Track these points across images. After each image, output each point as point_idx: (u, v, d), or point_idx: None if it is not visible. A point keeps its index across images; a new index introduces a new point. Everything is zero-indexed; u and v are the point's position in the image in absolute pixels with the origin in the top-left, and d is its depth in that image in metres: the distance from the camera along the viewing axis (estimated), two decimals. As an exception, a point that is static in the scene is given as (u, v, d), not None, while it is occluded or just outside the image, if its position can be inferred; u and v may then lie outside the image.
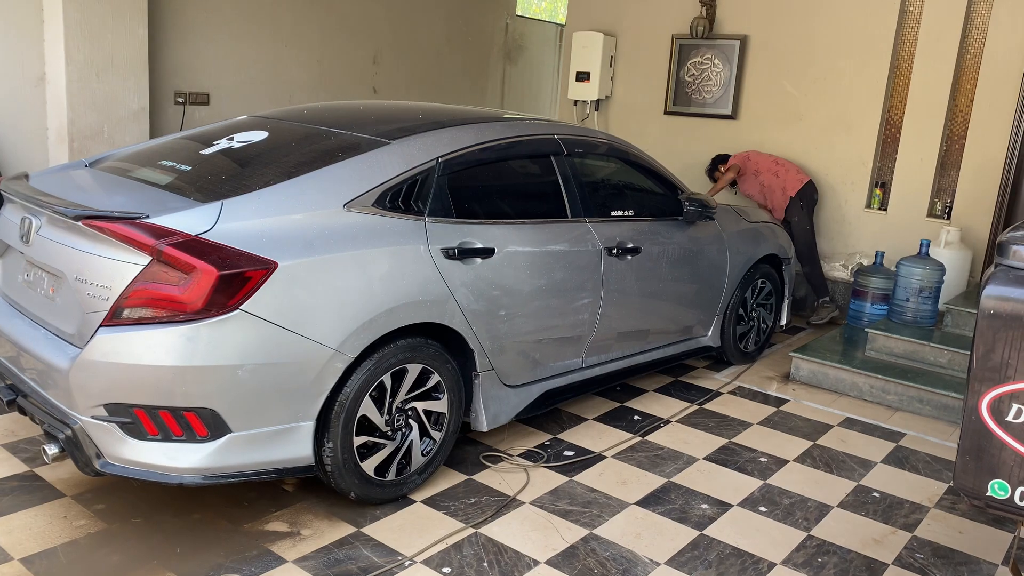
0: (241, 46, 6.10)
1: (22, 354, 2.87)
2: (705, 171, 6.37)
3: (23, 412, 2.90)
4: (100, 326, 2.61)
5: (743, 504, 3.35)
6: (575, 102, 7.33)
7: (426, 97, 7.58)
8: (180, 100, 5.75)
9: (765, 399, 4.55)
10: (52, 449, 2.68)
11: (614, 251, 3.85)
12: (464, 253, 3.20)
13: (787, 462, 3.76)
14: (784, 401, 4.54)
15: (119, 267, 2.60)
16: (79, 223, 2.63)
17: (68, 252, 2.73)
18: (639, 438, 3.91)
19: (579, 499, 3.29)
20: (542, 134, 3.76)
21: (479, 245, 3.26)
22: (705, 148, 6.60)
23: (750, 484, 3.52)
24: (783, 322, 5.33)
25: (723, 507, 3.31)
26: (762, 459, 3.78)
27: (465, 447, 3.63)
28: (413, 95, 7.49)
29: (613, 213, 3.97)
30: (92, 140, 4.98)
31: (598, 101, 7.21)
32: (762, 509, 3.32)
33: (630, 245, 3.93)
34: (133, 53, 5.10)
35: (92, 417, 2.61)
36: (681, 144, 6.80)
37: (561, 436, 3.87)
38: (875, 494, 3.51)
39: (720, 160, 6.30)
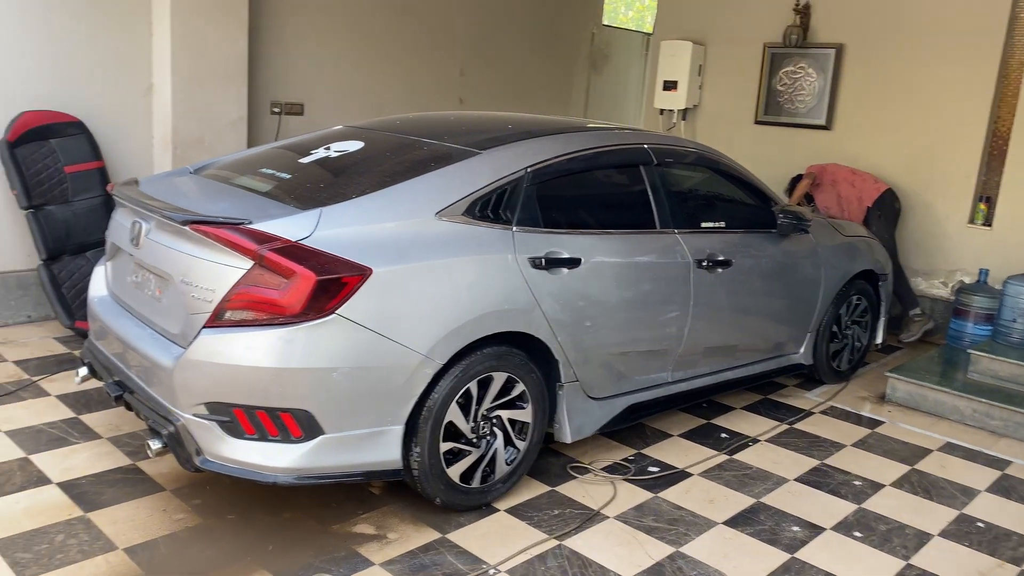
0: (334, 58, 6.27)
1: (129, 352, 3.01)
2: (784, 191, 6.22)
3: (129, 408, 3.03)
4: (203, 327, 2.71)
5: (837, 528, 3.23)
6: (661, 111, 7.26)
7: (511, 107, 7.63)
8: (276, 110, 5.94)
9: (859, 420, 4.39)
10: (156, 444, 2.79)
11: (704, 263, 3.78)
12: (551, 263, 3.20)
13: (883, 486, 3.61)
14: (879, 423, 4.37)
15: (223, 271, 2.69)
16: (186, 228, 2.74)
17: (175, 255, 2.84)
18: (726, 456, 3.82)
19: (665, 516, 3.23)
20: (631, 143, 3.73)
21: (566, 255, 3.25)
22: (797, 159, 6.44)
23: (844, 508, 3.40)
24: (878, 341, 5.13)
25: (815, 530, 3.20)
26: (856, 482, 3.64)
27: (548, 458, 3.62)
28: (498, 105, 7.55)
29: (703, 224, 3.90)
30: (193, 148, 5.19)
31: (685, 110, 7.12)
32: (857, 534, 3.19)
33: (721, 257, 3.85)
34: (233, 65, 5.30)
35: (193, 415, 2.71)
36: (772, 154, 6.64)
37: (646, 451, 3.81)
38: (979, 524, 3.34)
39: (799, 179, 6.20)
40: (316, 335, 2.65)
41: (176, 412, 2.75)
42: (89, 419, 3.67)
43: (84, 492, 3.07)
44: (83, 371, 3.35)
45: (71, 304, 4.62)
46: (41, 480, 3.13)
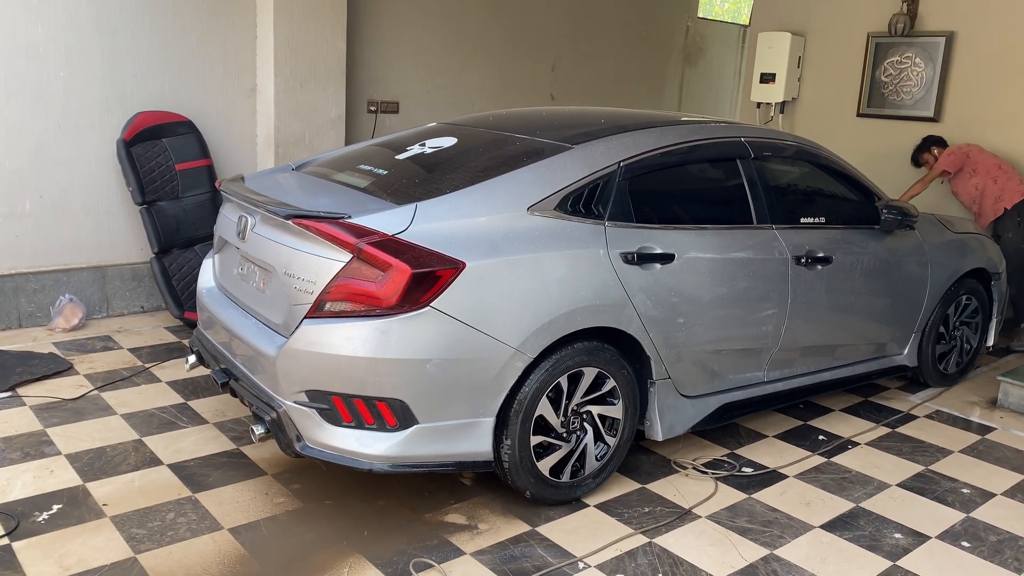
0: (428, 57, 6.38)
1: (234, 341, 3.14)
2: (911, 155, 5.88)
3: (234, 394, 3.17)
4: (304, 317, 2.80)
5: (942, 537, 3.09)
6: (758, 104, 7.08)
7: (603, 102, 7.59)
8: (372, 108, 6.09)
9: (967, 426, 4.18)
10: (259, 430, 2.91)
11: (803, 260, 3.67)
12: (643, 258, 3.17)
13: (994, 495, 3.43)
14: (989, 429, 4.15)
15: (323, 263, 2.78)
16: (289, 222, 2.85)
17: (278, 248, 2.95)
18: (824, 458, 3.70)
19: (759, 517, 3.16)
20: (727, 137, 3.65)
21: (659, 250, 3.22)
22: (902, 153, 6.16)
23: (950, 516, 3.24)
24: (989, 343, 4.88)
25: (919, 538, 3.07)
26: (964, 490, 3.47)
27: (638, 455, 3.59)
28: (590, 101, 7.52)
29: (802, 220, 3.79)
30: (295, 146, 5.38)
31: (783, 103, 6.92)
32: (964, 544, 3.04)
33: (820, 254, 3.73)
34: (333, 65, 5.46)
35: (295, 402, 2.82)
36: (874, 148, 6.39)
37: (739, 451, 3.73)
38: (1102, 539, 3.13)
39: (934, 142, 5.79)
40: (411, 327, 2.70)
41: (278, 399, 2.86)
42: (197, 405, 3.86)
43: (192, 474, 3.23)
44: (192, 359, 3.52)
45: (180, 295, 4.86)
46: (153, 461, 3.31)
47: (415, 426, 2.78)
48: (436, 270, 2.72)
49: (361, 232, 2.74)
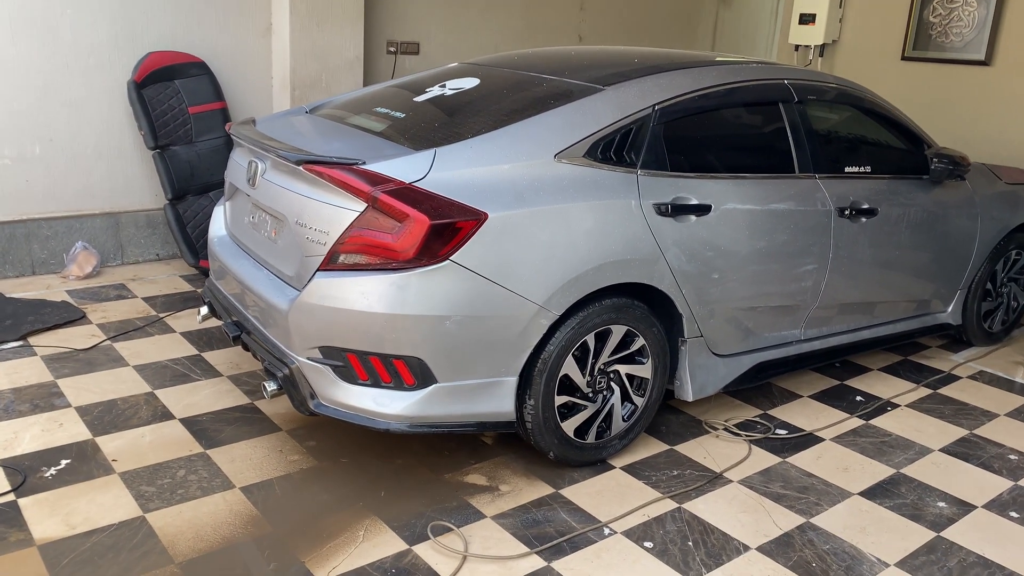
0: (451, -5, 6.10)
1: (246, 293, 3.00)
2: None
3: (247, 348, 3.04)
4: (317, 270, 2.65)
5: (989, 507, 2.92)
6: (796, 47, 6.73)
7: (633, 44, 7.27)
8: (392, 49, 5.84)
9: (1012, 387, 3.98)
10: (271, 386, 2.78)
11: (846, 212, 3.45)
12: (677, 210, 2.97)
13: (1043, 463, 3.26)
14: (1037, 391, 3.95)
15: (336, 212, 2.62)
16: (300, 168, 2.68)
17: (290, 196, 2.79)
18: (862, 421, 3.53)
19: (794, 483, 3.01)
20: (769, 79, 3.40)
21: (694, 201, 3.02)
22: (949, 98, 5.83)
23: (997, 484, 3.08)
24: (1038, 300, 4.64)
25: (964, 508, 2.91)
26: (1011, 456, 3.29)
27: (667, 415, 3.44)
28: (620, 42, 7.20)
29: (847, 169, 3.56)
30: (311, 88, 5.17)
31: (823, 46, 6.57)
32: (1013, 515, 2.88)
33: (865, 206, 3.51)
34: (350, 3, 5.21)
35: (308, 358, 2.68)
36: (919, 94, 6.06)
37: (772, 412, 3.57)
38: None
39: None
40: (429, 281, 2.54)
41: (291, 355, 2.73)
42: (211, 357, 3.75)
43: (204, 429, 3.13)
44: (204, 310, 3.39)
45: (195, 243, 4.73)
46: (165, 415, 3.21)
47: (434, 385, 2.64)
48: (456, 221, 2.55)
49: (376, 179, 2.57)
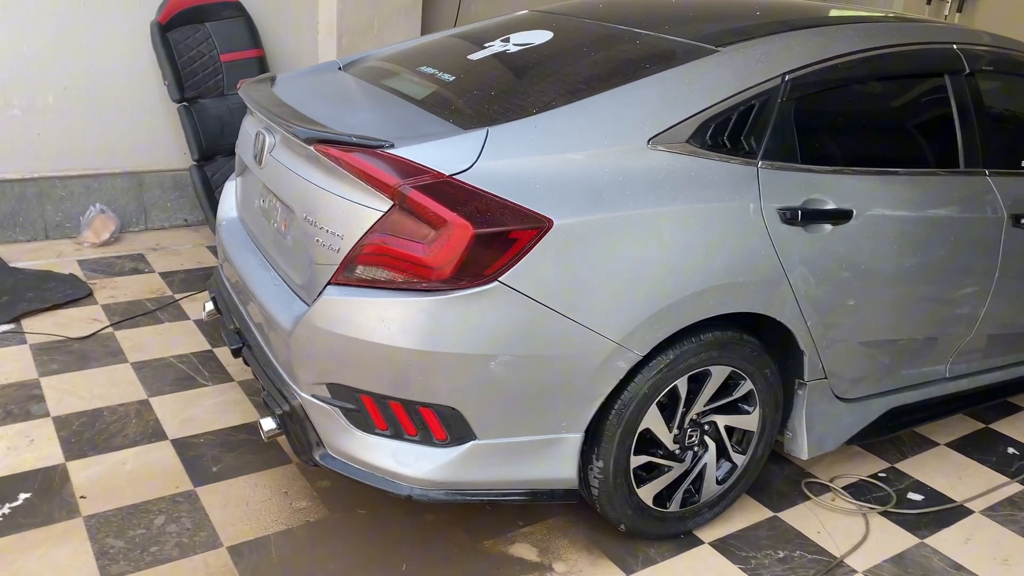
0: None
1: (250, 297, 2.40)
2: None
3: (248, 365, 2.46)
4: (328, 283, 2.02)
5: None
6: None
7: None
8: (457, -8, 5.12)
9: None
10: (268, 425, 2.19)
11: (1022, 220, 2.65)
12: (809, 216, 2.23)
13: None
14: None
15: (354, 210, 1.97)
16: (311, 148, 2.03)
17: (299, 183, 2.15)
18: (1021, 486, 2.77)
19: (938, 580, 2.30)
20: (935, 43, 2.59)
21: (831, 205, 2.27)
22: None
23: None
24: None
25: None
26: None
27: (768, 466, 2.74)
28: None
29: (1024, 163, 2.74)
30: (361, 36, 4.51)
31: (962, -1, 5.57)
32: None
33: (1046, 212, 2.70)
34: (410, -63, 4.51)
35: (313, 396, 2.07)
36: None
37: (901, 467, 2.84)
38: None
39: None
40: (471, 309, 1.89)
41: (294, 388, 2.12)
42: (223, 354, 3.19)
43: (199, 456, 2.58)
44: (209, 306, 2.82)
45: (224, 211, 4.17)
46: (155, 434, 2.67)
47: (472, 442, 2.01)
48: (510, 230, 1.88)
49: (406, 169, 1.91)
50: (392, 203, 1.91)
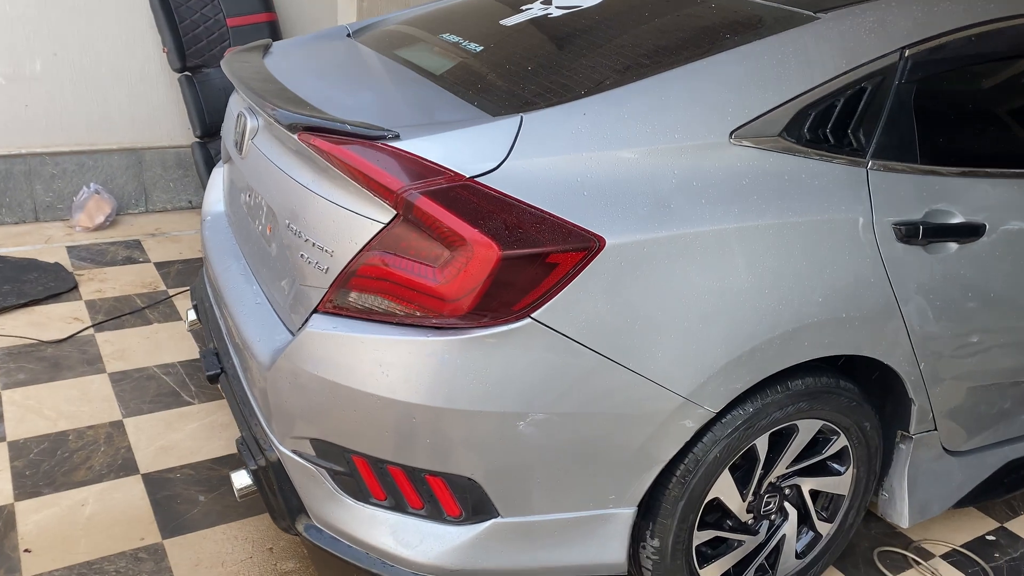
0: None
1: (228, 315, 1.98)
2: None
3: (224, 395, 2.04)
4: (315, 310, 1.58)
5: None
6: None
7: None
8: (492, -48, 4.61)
9: None
10: (241, 480, 1.77)
11: None
12: (931, 232, 1.74)
13: None
14: None
15: (348, 220, 1.53)
16: (295, 136, 1.58)
17: (283, 181, 1.71)
18: None
19: None
20: (1089, 10, 2.06)
21: (959, 219, 1.78)
22: None
23: None
24: None
25: None
26: None
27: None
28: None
29: None
30: (386, -1, 4.06)
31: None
32: None
33: None
34: None
35: (295, 452, 1.65)
36: None
37: (1011, 526, 2.35)
38: None
39: None
40: (495, 354, 1.44)
41: (271, 439, 1.70)
42: (215, 364, 2.78)
43: (172, 497, 2.18)
44: (191, 315, 2.40)
45: (229, 194, 3.76)
46: (125, 466, 2.28)
47: (493, 520, 1.57)
48: (549, 252, 1.42)
49: (415, 168, 1.45)
50: (395, 213, 1.46)
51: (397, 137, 1.49)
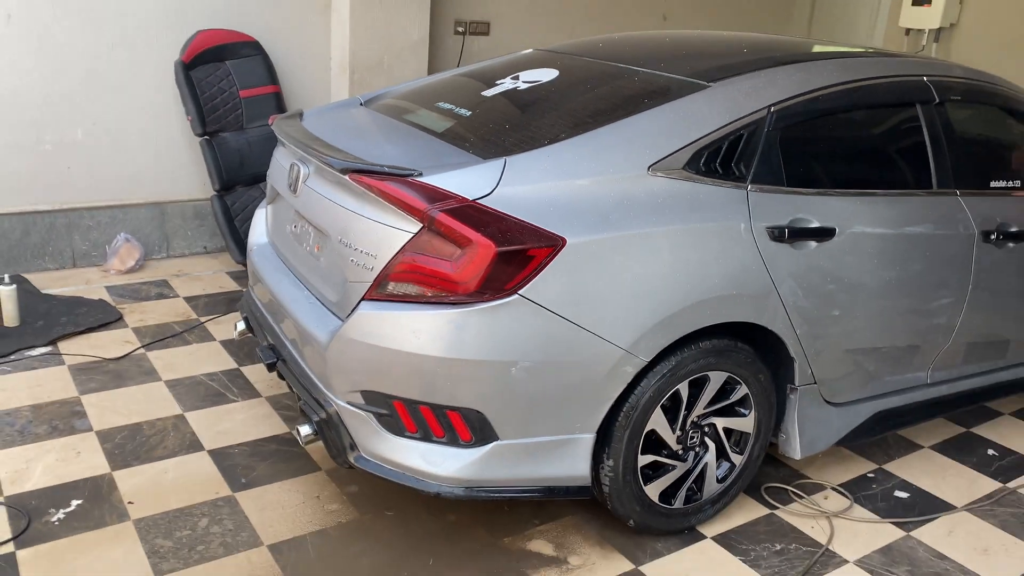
0: (525, -30, 5.59)
1: (284, 315, 2.61)
2: None
3: (283, 377, 2.66)
4: (362, 299, 2.24)
5: None
6: (907, 31, 6.04)
7: (722, 26, 6.65)
8: (460, 30, 5.38)
9: None
10: (306, 430, 2.39)
11: (992, 236, 2.88)
12: (795, 234, 2.46)
13: None
14: None
15: (386, 232, 2.19)
16: (346, 177, 2.25)
17: (334, 209, 2.37)
18: (998, 483, 2.98)
19: (923, 566, 2.50)
20: (907, 75, 2.84)
21: (815, 224, 2.50)
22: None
23: None
24: None
25: None
26: None
27: (765, 468, 2.94)
28: (708, 24, 6.59)
29: (993, 184, 2.98)
30: (372, 72, 4.76)
31: (939, 30, 5.86)
32: None
33: (1014, 229, 2.93)
34: (416, -22, 4.77)
35: (348, 403, 2.28)
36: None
37: (888, 467, 3.04)
38: None
39: None
40: (493, 320, 2.10)
41: (329, 396, 2.32)
42: (250, 372, 3.39)
43: (235, 465, 2.77)
44: (240, 325, 3.02)
45: (244, 238, 4.38)
46: (192, 445, 2.86)
47: (494, 443, 2.21)
48: (528, 248, 2.10)
49: (434, 195, 2.13)
50: (421, 225, 2.13)
51: (420, 174, 2.18)
